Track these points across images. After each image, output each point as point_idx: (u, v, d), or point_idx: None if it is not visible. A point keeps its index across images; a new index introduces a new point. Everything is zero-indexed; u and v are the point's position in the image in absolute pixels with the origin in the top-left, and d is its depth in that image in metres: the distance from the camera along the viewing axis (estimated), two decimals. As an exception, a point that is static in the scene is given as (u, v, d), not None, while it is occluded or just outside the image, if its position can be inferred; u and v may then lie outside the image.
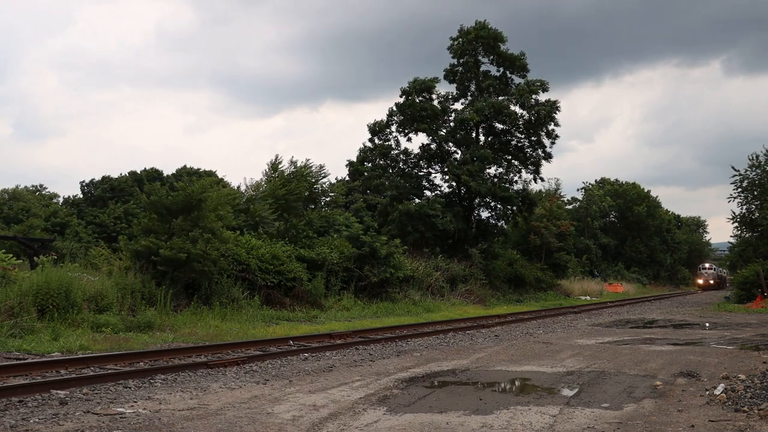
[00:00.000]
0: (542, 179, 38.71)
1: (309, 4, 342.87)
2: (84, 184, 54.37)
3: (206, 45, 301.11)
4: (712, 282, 67.82)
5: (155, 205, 18.35)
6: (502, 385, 9.17)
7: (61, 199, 56.44)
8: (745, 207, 38.79)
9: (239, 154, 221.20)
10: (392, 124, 36.85)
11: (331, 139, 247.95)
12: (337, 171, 60.50)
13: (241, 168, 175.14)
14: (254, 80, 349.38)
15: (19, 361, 9.46)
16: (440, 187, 37.77)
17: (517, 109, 36.61)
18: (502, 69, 37.58)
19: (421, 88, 36.12)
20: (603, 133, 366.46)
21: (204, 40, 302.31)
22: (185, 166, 55.99)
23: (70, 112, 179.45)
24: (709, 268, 70.26)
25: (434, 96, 36.83)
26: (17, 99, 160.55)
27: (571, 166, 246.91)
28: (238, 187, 30.05)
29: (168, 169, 58.72)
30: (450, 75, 37.65)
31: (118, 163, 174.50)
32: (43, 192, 57.82)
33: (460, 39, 37.02)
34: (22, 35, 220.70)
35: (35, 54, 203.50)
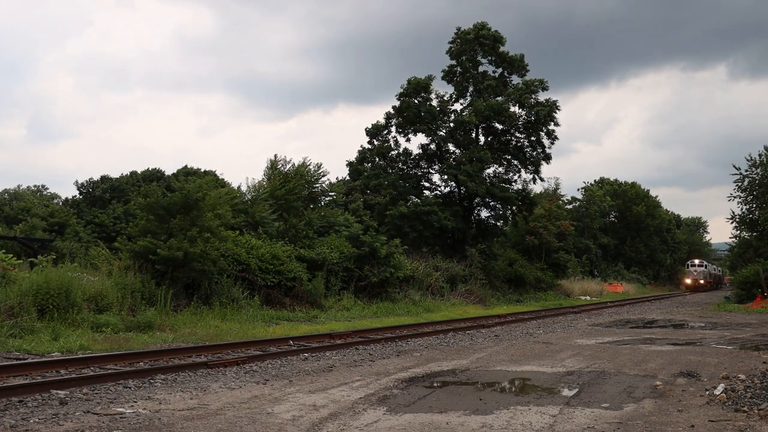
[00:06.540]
0: (542, 179, 38.77)
1: (326, 10, 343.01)
2: (80, 184, 54.23)
3: (225, 50, 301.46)
4: (702, 282, 60.06)
5: (152, 207, 18.34)
6: (502, 385, 9.16)
7: (61, 200, 56.38)
8: (745, 207, 38.81)
9: (249, 157, 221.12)
10: (391, 126, 36.86)
11: (341, 142, 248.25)
12: (343, 172, 60.46)
13: (251, 170, 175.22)
14: (270, 84, 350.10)
15: (19, 361, 9.45)
16: (439, 186, 37.85)
17: (516, 109, 36.62)
18: (500, 69, 37.57)
19: (416, 88, 36.09)
20: (609, 135, 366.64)
21: (223, 45, 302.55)
22: (186, 166, 55.91)
23: (84, 115, 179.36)
24: (699, 266, 61.89)
25: (432, 96, 36.85)
26: (32, 101, 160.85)
27: (577, 168, 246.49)
28: (239, 187, 30.04)
29: (173, 170, 58.67)
30: (448, 75, 37.62)
31: (128, 164, 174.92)
32: (44, 192, 57.79)
33: (458, 41, 36.99)
34: (39, 38, 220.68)
35: (52, 57, 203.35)
